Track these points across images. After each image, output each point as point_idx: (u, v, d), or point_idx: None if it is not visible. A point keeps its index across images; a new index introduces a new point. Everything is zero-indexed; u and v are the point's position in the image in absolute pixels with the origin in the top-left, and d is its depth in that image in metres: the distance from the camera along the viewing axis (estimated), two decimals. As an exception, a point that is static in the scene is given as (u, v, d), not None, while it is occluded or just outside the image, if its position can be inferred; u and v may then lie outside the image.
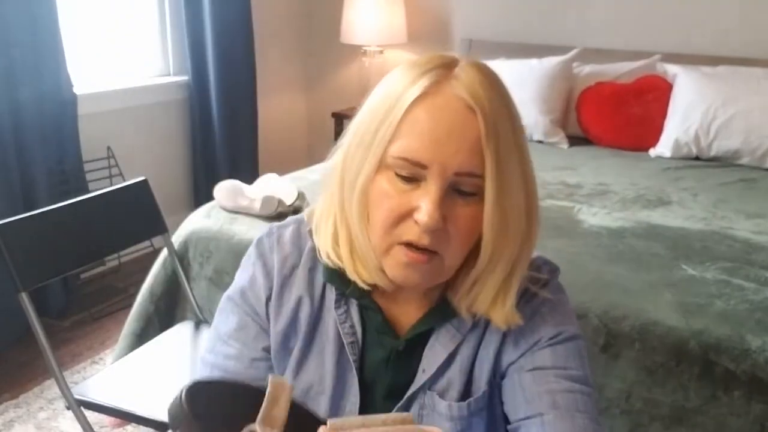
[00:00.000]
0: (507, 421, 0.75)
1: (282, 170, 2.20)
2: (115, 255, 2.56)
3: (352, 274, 0.71)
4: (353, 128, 0.70)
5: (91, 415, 1.39)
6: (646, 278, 1.50)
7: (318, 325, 0.76)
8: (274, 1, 3.54)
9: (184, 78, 3.10)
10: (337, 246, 0.72)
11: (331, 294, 0.76)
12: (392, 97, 0.66)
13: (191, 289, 1.71)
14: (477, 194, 0.65)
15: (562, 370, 0.71)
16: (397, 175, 0.65)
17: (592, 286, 1.45)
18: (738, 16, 2.87)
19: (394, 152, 0.65)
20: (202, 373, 0.80)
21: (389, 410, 0.75)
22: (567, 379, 0.71)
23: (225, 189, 1.89)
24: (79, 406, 1.36)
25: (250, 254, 0.80)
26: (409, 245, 0.65)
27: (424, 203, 0.63)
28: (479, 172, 0.64)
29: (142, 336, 1.74)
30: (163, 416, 1.30)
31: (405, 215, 0.65)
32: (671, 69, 2.80)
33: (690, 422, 1.29)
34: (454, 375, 0.74)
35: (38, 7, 2.25)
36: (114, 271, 2.67)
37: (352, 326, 0.75)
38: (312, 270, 0.77)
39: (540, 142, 2.88)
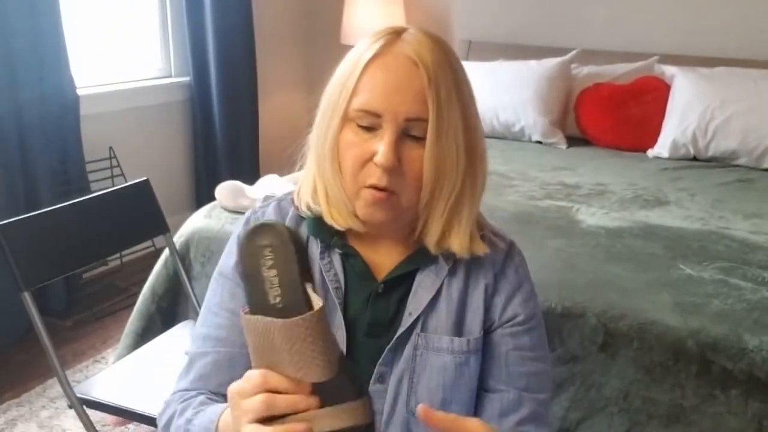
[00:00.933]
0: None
1: (283, 171, 2.21)
2: (117, 255, 2.57)
3: (328, 220, 0.82)
4: (324, 96, 0.82)
5: (93, 414, 1.40)
6: (644, 278, 1.51)
7: None
8: (274, 1, 3.55)
9: (186, 79, 3.11)
10: (316, 196, 0.83)
11: (315, 248, 0.85)
12: (351, 62, 0.79)
13: (192, 289, 1.72)
14: (424, 141, 0.76)
15: (538, 352, 0.86)
16: (359, 126, 0.77)
17: (590, 286, 1.46)
18: (735, 18, 2.89)
19: (355, 106, 0.77)
20: (194, 345, 0.88)
21: (370, 346, 0.83)
22: (541, 361, 0.86)
23: (226, 189, 1.89)
24: (82, 405, 1.37)
25: (236, 232, 0.89)
26: (372, 187, 0.77)
27: (381, 147, 0.75)
28: (426, 117, 0.75)
29: (143, 335, 1.75)
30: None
31: (367, 160, 0.77)
32: (669, 70, 2.81)
33: (687, 421, 1.30)
34: (441, 316, 0.84)
35: (41, 8, 2.26)
36: (116, 270, 2.68)
37: (336, 273, 0.84)
38: (297, 220, 0.87)
39: (539, 142, 2.89)
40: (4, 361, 2.17)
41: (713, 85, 2.65)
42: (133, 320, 1.79)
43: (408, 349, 0.82)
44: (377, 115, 0.76)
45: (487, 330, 0.86)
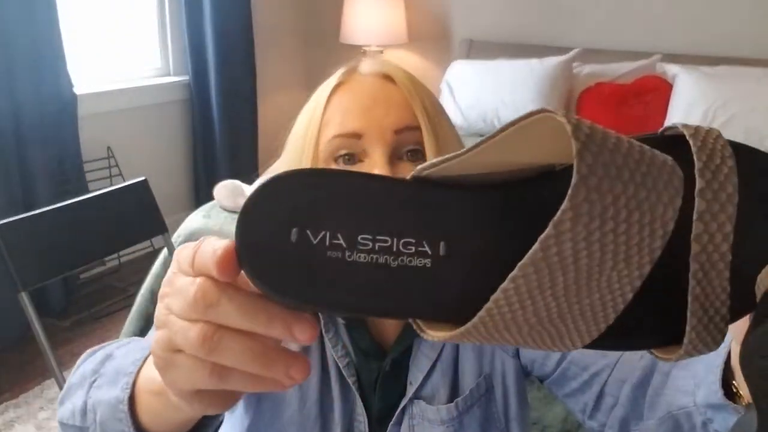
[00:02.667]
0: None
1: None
2: (115, 255, 2.56)
3: None
4: (284, 152, 0.70)
5: (91, 416, 1.39)
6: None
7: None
8: (274, 1, 3.54)
9: (185, 78, 3.10)
10: None
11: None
12: (311, 106, 0.68)
13: (191, 289, 1.71)
14: (422, 154, 0.64)
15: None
16: (336, 161, 0.64)
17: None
18: (738, 17, 2.87)
19: (326, 138, 0.64)
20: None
21: (388, 411, 0.72)
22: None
23: (225, 189, 1.89)
24: (80, 407, 1.36)
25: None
26: None
27: (374, 171, 0.61)
28: (415, 123, 0.64)
29: (142, 335, 1.73)
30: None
31: None
32: (671, 69, 2.80)
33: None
34: (437, 380, 0.72)
35: (38, 7, 2.25)
36: (114, 271, 2.67)
37: (344, 346, 0.71)
38: None
39: (540, 142, 2.88)
40: (2, 362, 2.15)
41: (716, 84, 2.64)
42: (131, 321, 1.78)
43: (405, 423, 0.72)
44: (357, 136, 0.63)
45: (541, 377, 0.75)
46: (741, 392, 0.47)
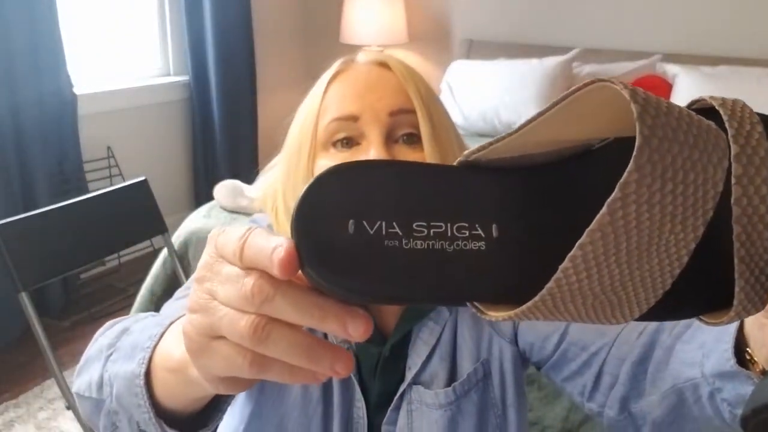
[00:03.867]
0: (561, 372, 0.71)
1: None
2: (115, 255, 2.56)
3: None
4: (286, 142, 0.73)
5: (91, 416, 1.39)
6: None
7: None
8: (274, 1, 3.54)
9: (185, 78, 3.10)
10: None
11: None
12: (310, 96, 0.71)
13: (191, 289, 1.71)
14: (418, 138, 0.66)
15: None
16: (336, 146, 0.67)
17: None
18: (738, 17, 2.87)
19: (324, 122, 0.67)
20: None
21: (382, 419, 0.73)
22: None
23: (225, 189, 1.88)
24: (80, 407, 1.36)
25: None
26: None
27: (371, 152, 0.64)
28: (410, 106, 0.66)
29: (142, 336, 1.74)
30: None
31: None
32: (671, 69, 2.80)
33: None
34: (436, 365, 0.73)
35: (38, 7, 2.25)
36: (114, 271, 2.67)
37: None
38: None
39: (540, 142, 2.88)
40: (2, 362, 2.15)
41: (716, 84, 2.64)
42: (131, 321, 1.78)
43: (404, 405, 0.73)
44: (354, 119, 0.66)
45: (537, 364, 0.75)
46: (756, 358, 0.46)
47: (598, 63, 2.98)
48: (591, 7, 3.14)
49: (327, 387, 0.72)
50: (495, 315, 0.29)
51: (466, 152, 0.32)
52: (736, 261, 0.29)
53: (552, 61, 2.92)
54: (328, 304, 0.30)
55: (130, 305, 1.83)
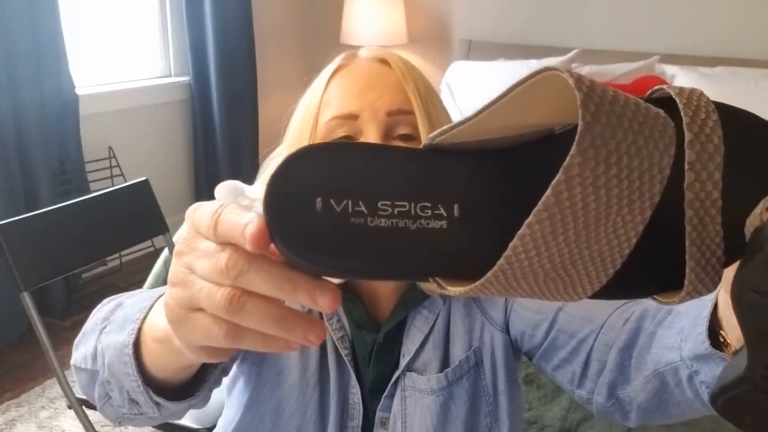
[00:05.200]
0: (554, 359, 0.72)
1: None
2: (116, 255, 2.57)
3: None
4: (287, 134, 0.74)
5: (92, 414, 1.40)
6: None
7: None
8: (274, 1, 3.54)
9: (186, 79, 3.11)
10: None
11: None
12: (311, 89, 0.72)
13: (192, 289, 1.72)
14: (416, 139, 0.68)
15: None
16: (335, 140, 0.68)
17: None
18: (736, 17, 2.88)
19: (325, 118, 0.68)
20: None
21: (377, 406, 0.74)
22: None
23: (226, 189, 1.87)
24: (81, 405, 1.37)
25: None
26: None
27: None
28: (408, 107, 0.68)
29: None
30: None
31: None
32: (669, 70, 2.80)
33: (689, 421, 1.30)
34: (429, 352, 0.74)
35: (40, 8, 2.26)
36: (115, 270, 2.67)
37: (339, 320, 0.74)
38: None
39: (539, 142, 2.89)
40: (4, 362, 2.16)
41: (714, 84, 2.65)
42: (132, 320, 1.79)
43: (398, 391, 0.74)
44: (353, 117, 0.67)
45: (527, 353, 0.76)
46: (728, 340, 0.48)
47: (597, 64, 2.99)
48: (590, 9, 3.14)
49: (323, 373, 0.74)
50: (453, 290, 0.31)
51: (431, 135, 0.33)
52: (687, 243, 0.31)
53: (551, 62, 2.93)
54: (298, 277, 0.31)
55: (131, 305, 1.84)
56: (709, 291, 0.32)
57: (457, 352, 0.75)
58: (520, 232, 0.28)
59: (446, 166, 0.32)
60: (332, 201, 0.30)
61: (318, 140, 0.69)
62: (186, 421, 1.22)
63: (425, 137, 0.65)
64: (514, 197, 0.31)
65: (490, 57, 3.10)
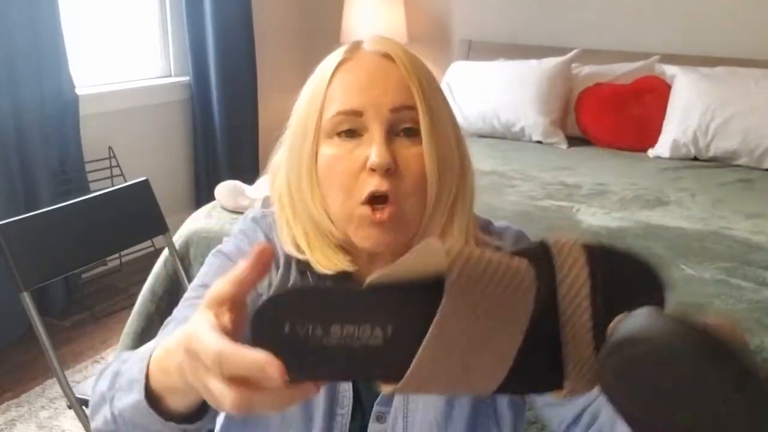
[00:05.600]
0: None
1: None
2: (117, 255, 2.57)
3: (317, 268, 0.71)
4: (289, 127, 0.75)
5: (92, 414, 1.40)
6: (645, 278, 1.51)
7: None
8: (274, 1, 3.54)
9: (186, 79, 3.11)
10: (296, 243, 0.73)
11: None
12: (316, 78, 0.72)
13: (192, 289, 1.72)
14: (418, 133, 0.69)
15: None
16: (339, 136, 0.69)
17: (590, 286, 1.45)
18: (736, 18, 2.88)
19: (328, 114, 0.69)
20: (167, 327, 0.73)
21: (374, 399, 0.74)
22: None
23: (226, 189, 1.89)
24: (81, 406, 1.37)
25: (238, 226, 0.81)
26: (370, 203, 0.67)
27: (372, 148, 0.66)
28: (411, 103, 0.68)
29: (143, 335, 1.75)
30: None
31: (359, 170, 0.67)
32: (669, 70, 2.81)
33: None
34: None
35: (40, 8, 2.26)
36: (115, 270, 2.67)
37: None
38: (288, 264, 0.76)
39: (539, 142, 2.89)
40: (4, 362, 2.16)
41: (714, 85, 2.65)
42: (132, 321, 1.79)
43: None
44: (358, 114, 0.68)
45: None
46: None
47: (597, 64, 2.99)
48: (590, 9, 3.15)
49: None
50: (386, 389, 0.41)
51: (371, 277, 0.42)
52: (563, 354, 0.42)
53: (551, 62, 2.93)
54: (291, 392, 0.39)
55: (131, 305, 1.84)
56: (588, 391, 0.42)
57: None
58: (418, 353, 0.39)
59: (383, 297, 0.42)
60: (297, 327, 0.40)
61: (323, 134, 0.70)
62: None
63: (426, 132, 0.69)
64: (426, 323, 0.40)
65: (490, 57, 3.10)
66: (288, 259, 0.75)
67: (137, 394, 0.56)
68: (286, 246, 0.74)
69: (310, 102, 0.71)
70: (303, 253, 0.72)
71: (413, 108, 0.68)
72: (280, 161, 0.76)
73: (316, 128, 0.70)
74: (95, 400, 0.65)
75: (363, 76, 0.69)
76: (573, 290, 0.41)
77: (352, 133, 0.68)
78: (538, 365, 0.43)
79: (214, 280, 0.67)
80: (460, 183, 0.73)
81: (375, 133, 0.67)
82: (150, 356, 0.56)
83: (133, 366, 0.59)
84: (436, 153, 0.68)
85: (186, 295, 0.78)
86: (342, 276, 0.72)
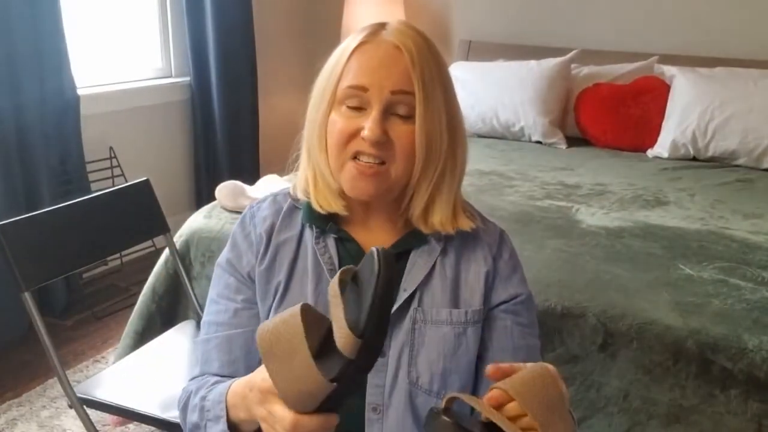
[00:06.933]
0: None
1: (283, 171, 2.21)
2: (117, 255, 2.57)
3: (315, 206, 0.88)
4: (314, 90, 0.88)
5: (93, 414, 1.40)
6: (644, 278, 1.51)
7: (297, 262, 0.90)
8: (275, 1, 3.55)
9: (186, 79, 3.12)
10: (308, 185, 0.89)
11: (309, 234, 0.90)
12: (339, 52, 0.85)
13: (193, 289, 1.72)
14: (411, 117, 0.82)
15: (534, 329, 0.93)
16: (348, 108, 0.82)
17: (590, 286, 1.46)
18: (735, 18, 2.89)
19: (342, 86, 0.82)
20: (202, 331, 0.94)
21: None
22: (536, 337, 0.93)
23: (226, 189, 1.90)
24: (82, 405, 1.38)
25: (234, 230, 0.95)
26: (357, 159, 0.82)
27: (368, 122, 0.80)
28: (410, 89, 0.81)
29: (144, 335, 1.75)
30: (165, 414, 1.32)
31: (353, 134, 0.81)
32: (669, 70, 2.81)
33: (687, 421, 1.30)
34: (437, 291, 0.88)
35: (41, 8, 2.27)
36: (116, 270, 2.68)
37: (330, 257, 0.89)
38: (289, 220, 0.92)
39: (538, 142, 2.90)
40: (5, 361, 2.17)
41: (713, 85, 2.65)
42: (133, 320, 1.79)
43: (406, 324, 0.86)
44: (364, 90, 0.81)
45: (491, 308, 0.90)
46: None
47: (596, 64, 3.00)
48: (589, 9, 3.15)
49: (321, 304, 0.85)
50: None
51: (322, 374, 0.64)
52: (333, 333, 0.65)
53: (550, 63, 2.93)
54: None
55: (132, 305, 1.85)
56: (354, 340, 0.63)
57: (474, 300, 0.88)
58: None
59: (331, 365, 0.63)
60: None
61: (336, 101, 0.83)
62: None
63: (419, 117, 0.81)
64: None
65: (490, 57, 3.11)
66: (294, 209, 0.93)
67: (222, 425, 0.79)
68: (300, 187, 0.91)
69: (330, 72, 0.84)
70: (308, 195, 0.89)
71: (411, 94, 0.81)
72: (306, 120, 0.91)
73: (332, 95, 0.83)
74: (189, 428, 0.87)
75: (375, 59, 0.81)
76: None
77: (357, 108, 0.82)
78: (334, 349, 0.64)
79: (217, 292, 0.93)
80: (449, 161, 0.85)
81: (374, 109, 0.80)
82: (226, 398, 0.80)
83: (215, 406, 0.81)
84: (425, 133, 0.81)
85: (207, 309, 0.95)
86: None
